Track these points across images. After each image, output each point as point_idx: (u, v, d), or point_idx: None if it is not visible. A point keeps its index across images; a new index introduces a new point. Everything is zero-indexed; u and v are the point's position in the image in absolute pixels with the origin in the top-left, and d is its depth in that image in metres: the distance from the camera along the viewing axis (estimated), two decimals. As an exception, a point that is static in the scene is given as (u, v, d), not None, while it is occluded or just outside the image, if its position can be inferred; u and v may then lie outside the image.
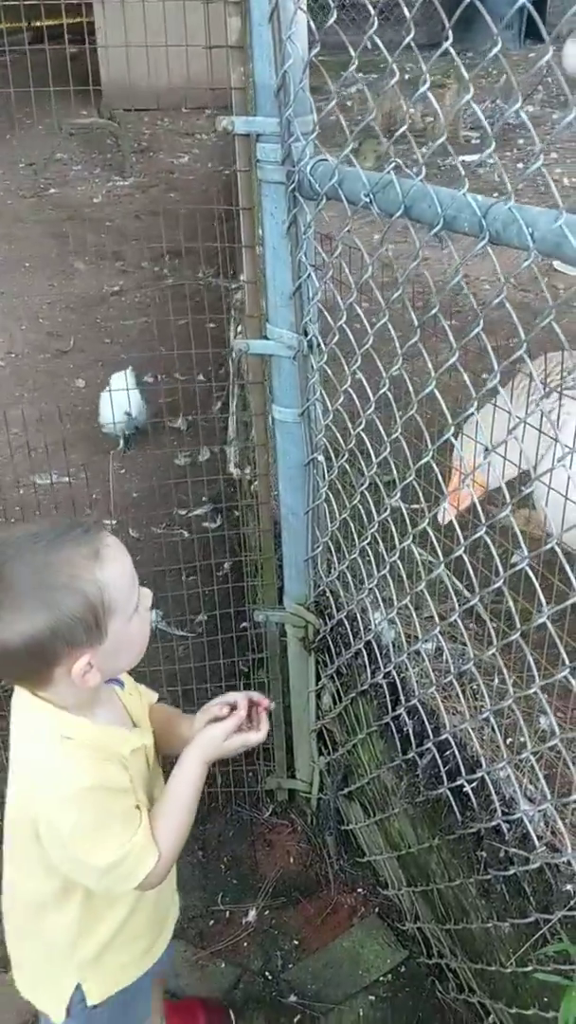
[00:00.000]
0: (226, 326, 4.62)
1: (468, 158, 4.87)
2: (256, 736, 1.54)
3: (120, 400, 4.00)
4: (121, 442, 4.29)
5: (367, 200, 1.50)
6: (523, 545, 1.40)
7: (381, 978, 2.22)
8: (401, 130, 1.45)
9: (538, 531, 2.13)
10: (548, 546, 1.32)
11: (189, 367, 4.48)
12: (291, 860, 2.48)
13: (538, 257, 1.21)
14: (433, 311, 1.45)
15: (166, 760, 1.59)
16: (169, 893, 1.69)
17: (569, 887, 1.51)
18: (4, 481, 3.67)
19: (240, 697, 1.56)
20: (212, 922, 2.35)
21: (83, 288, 5.79)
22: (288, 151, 1.73)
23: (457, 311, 3.51)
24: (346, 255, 1.77)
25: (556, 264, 4.35)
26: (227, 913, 2.37)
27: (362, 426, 1.78)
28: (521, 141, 6.12)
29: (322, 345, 1.87)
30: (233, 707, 1.55)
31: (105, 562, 1.32)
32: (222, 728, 1.51)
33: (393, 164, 1.45)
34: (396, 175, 1.44)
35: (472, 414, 1.60)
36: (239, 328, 3.85)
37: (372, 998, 2.19)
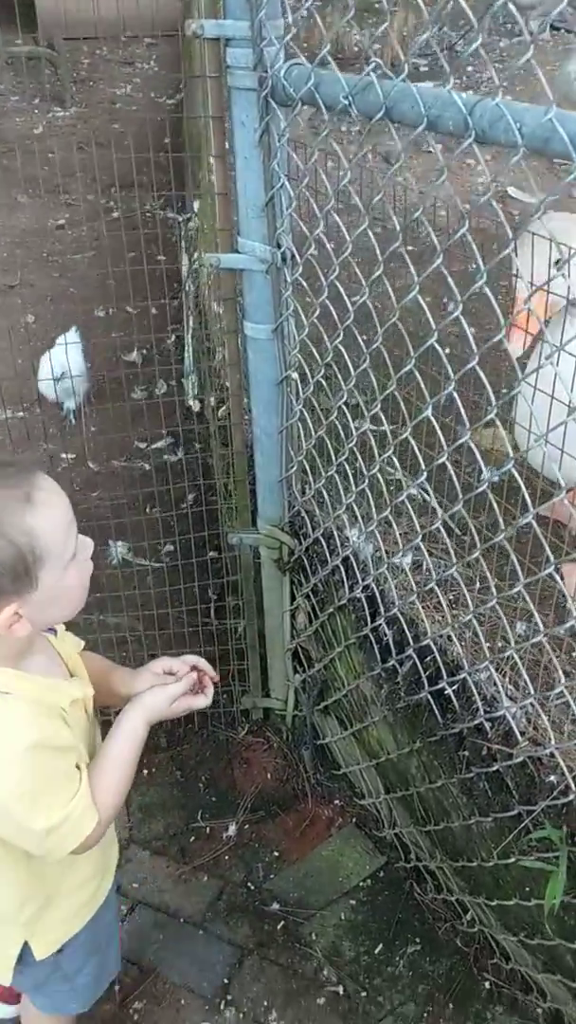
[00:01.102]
0: (179, 256, 4.55)
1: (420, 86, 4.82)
2: (202, 700, 1.49)
3: (59, 358, 3.64)
4: (66, 409, 3.95)
5: (346, 103, 1.48)
6: (481, 465, 1.43)
7: (360, 883, 2.29)
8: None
9: (504, 449, 2.17)
10: (526, 451, 1.35)
11: (141, 299, 4.41)
12: (268, 776, 2.53)
13: (526, 154, 1.21)
14: (417, 213, 1.44)
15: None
16: (111, 834, 1.65)
17: (552, 778, 1.57)
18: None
19: (181, 664, 1.51)
20: (193, 839, 2.39)
21: (27, 222, 5.64)
22: (260, 56, 1.69)
23: (415, 237, 3.50)
24: (321, 162, 1.75)
25: (511, 191, 4.35)
26: (207, 829, 2.41)
27: (339, 338, 1.78)
28: (470, 68, 6.06)
29: (296, 257, 1.85)
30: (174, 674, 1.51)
31: (37, 507, 1.23)
32: (169, 692, 1.45)
33: (373, 64, 1.43)
34: (376, 76, 1.42)
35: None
36: (195, 256, 3.79)
37: (352, 902, 2.26)
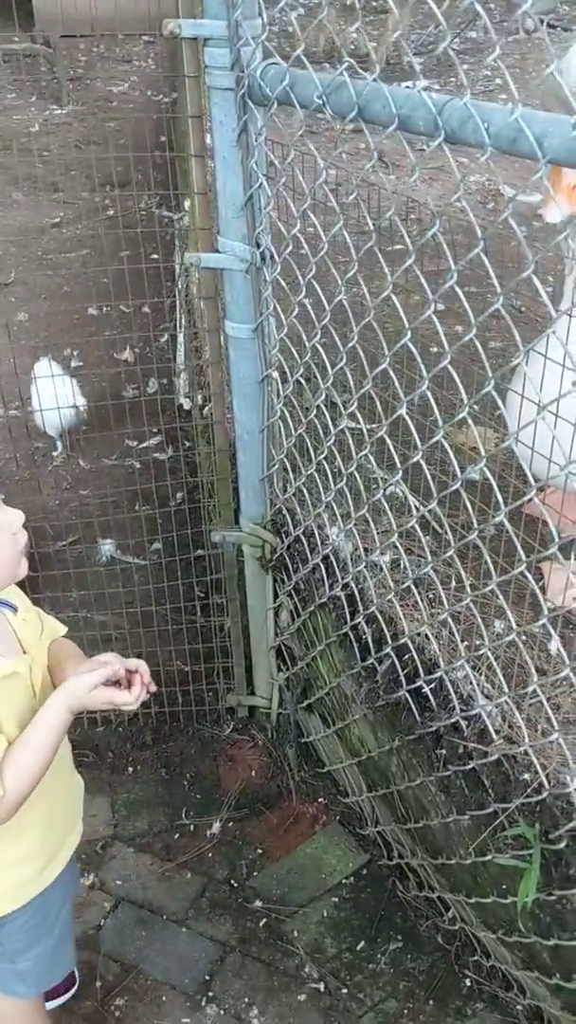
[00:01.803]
0: (172, 256, 4.56)
1: (416, 83, 4.81)
2: (124, 696, 1.45)
3: (62, 391, 3.31)
4: (59, 445, 3.75)
5: (320, 102, 1.49)
6: (455, 463, 1.43)
7: (343, 880, 2.30)
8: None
9: (474, 445, 2.17)
10: (506, 443, 1.35)
11: (135, 297, 4.42)
12: (253, 774, 2.54)
13: (494, 154, 1.22)
14: (389, 213, 1.45)
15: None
16: (66, 817, 1.65)
17: (527, 776, 1.57)
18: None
19: (110, 657, 1.49)
20: (177, 836, 2.40)
21: (22, 220, 5.65)
22: (237, 55, 1.69)
23: (401, 237, 3.49)
24: (298, 162, 1.76)
25: (503, 188, 4.35)
26: (192, 827, 2.42)
27: (317, 337, 1.78)
28: (466, 67, 6.06)
29: (275, 256, 1.86)
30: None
31: None
32: (86, 679, 1.42)
33: (346, 64, 1.43)
34: (349, 76, 1.43)
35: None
36: (187, 251, 3.79)
37: (335, 900, 2.26)
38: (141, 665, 1.50)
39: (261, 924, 2.22)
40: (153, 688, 1.51)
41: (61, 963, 1.76)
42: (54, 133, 6.75)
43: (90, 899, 2.26)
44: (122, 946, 2.17)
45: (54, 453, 3.76)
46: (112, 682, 1.45)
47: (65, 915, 1.71)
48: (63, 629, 1.61)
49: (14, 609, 1.48)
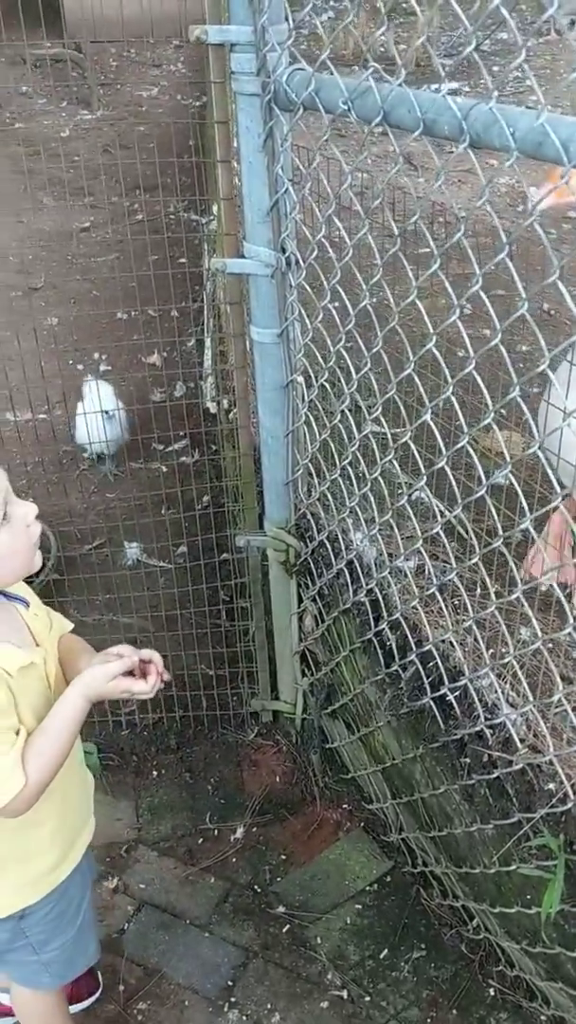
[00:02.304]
0: (200, 260, 4.57)
1: (443, 86, 4.80)
2: (140, 685, 1.48)
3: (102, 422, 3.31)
4: (106, 462, 3.68)
5: (345, 108, 1.48)
6: (479, 469, 1.42)
7: (367, 887, 2.29)
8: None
9: (500, 450, 2.16)
10: (531, 450, 1.34)
11: (163, 302, 4.43)
12: (277, 779, 2.54)
13: (520, 158, 1.21)
14: (415, 217, 1.44)
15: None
16: (79, 811, 1.66)
17: (551, 785, 1.56)
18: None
19: (126, 648, 1.52)
20: (201, 840, 2.40)
21: (52, 224, 5.69)
22: (263, 61, 1.69)
23: (432, 239, 3.48)
24: (324, 166, 1.75)
25: (529, 192, 4.31)
26: (215, 831, 2.42)
27: (342, 342, 1.78)
28: (496, 68, 6.03)
29: (300, 262, 1.85)
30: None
31: None
32: (104, 670, 1.45)
33: (371, 69, 1.43)
34: (374, 80, 1.42)
35: None
36: (214, 255, 3.80)
37: (358, 906, 2.25)
38: (154, 655, 1.53)
39: (284, 930, 2.21)
40: (167, 677, 1.54)
41: (84, 954, 1.77)
42: (84, 138, 6.79)
43: (114, 902, 2.26)
44: (145, 950, 2.17)
45: (102, 467, 3.70)
46: (127, 672, 1.47)
47: (86, 906, 1.72)
48: (70, 625, 1.63)
49: (26, 604, 1.50)
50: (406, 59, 1.51)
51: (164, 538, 3.09)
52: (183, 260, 4.87)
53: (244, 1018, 2.05)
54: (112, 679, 1.45)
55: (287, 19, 1.68)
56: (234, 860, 2.36)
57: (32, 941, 1.63)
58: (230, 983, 2.11)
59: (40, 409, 3.74)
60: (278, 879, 2.32)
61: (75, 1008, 1.99)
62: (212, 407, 3.70)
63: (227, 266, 1.96)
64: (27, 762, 1.38)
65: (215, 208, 4.01)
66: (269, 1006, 2.07)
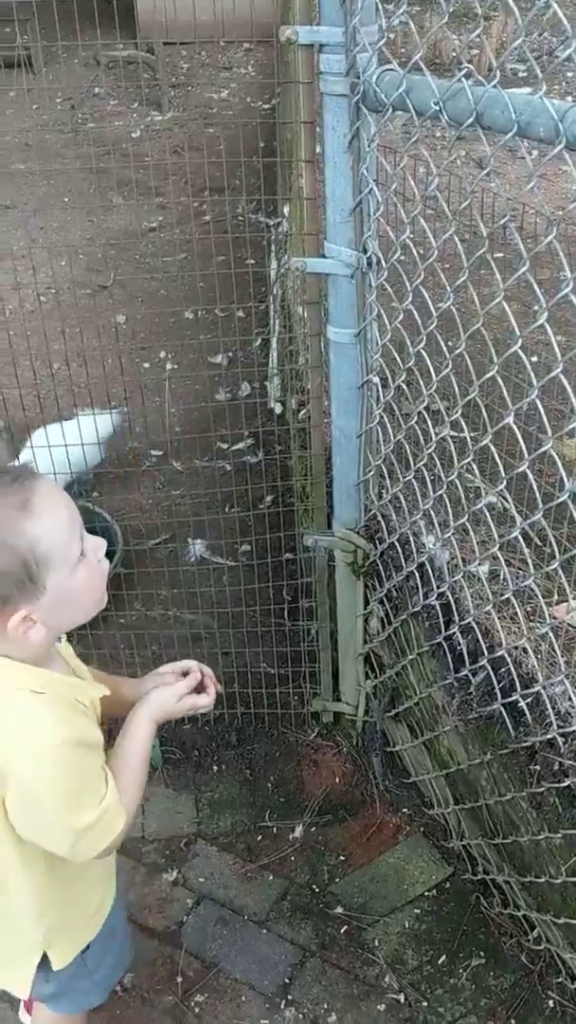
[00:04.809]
0: (267, 261, 4.59)
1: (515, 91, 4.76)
2: (205, 699, 1.51)
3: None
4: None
5: (436, 108, 1.48)
6: (563, 475, 1.41)
7: (426, 893, 2.28)
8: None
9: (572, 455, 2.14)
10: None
11: (229, 302, 4.46)
12: (337, 780, 2.53)
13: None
14: (503, 220, 1.43)
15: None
16: None
17: (625, 796, 1.53)
18: (48, 415, 3.69)
19: (194, 664, 1.55)
20: (260, 837, 2.41)
21: (122, 224, 5.77)
22: (353, 62, 1.70)
23: (504, 244, 3.46)
24: (409, 168, 1.75)
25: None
26: (274, 829, 2.43)
27: (423, 343, 1.77)
28: (571, 74, 5.97)
29: (382, 262, 1.85)
30: (185, 673, 1.54)
31: (36, 513, 1.22)
32: (174, 690, 1.48)
33: (465, 70, 1.42)
34: (467, 81, 1.42)
35: None
36: (283, 260, 3.82)
37: (417, 911, 2.24)
38: (205, 668, 1.55)
39: (342, 931, 2.21)
40: (220, 688, 1.56)
41: (124, 962, 1.78)
42: (154, 139, 6.86)
43: (173, 895, 2.28)
44: (203, 943, 2.19)
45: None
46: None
47: (123, 916, 1.73)
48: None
49: (59, 638, 1.47)
50: (483, 62, 1.51)
51: (228, 536, 3.11)
52: (250, 261, 4.90)
53: (301, 1016, 2.05)
54: (180, 699, 1.48)
55: (379, 20, 1.68)
56: (293, 859, 2.36)
57: (88, 968, 1.61)
58: (287, 980, 2.12)
59: (106, 406, 3.79)
60: (336, 880, 2.31)
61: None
62: (277, 407, 3.72)
63: (307, 265, 1.97)
64: (123, 797, 1.36)
65: (285, 209, 4.03)
66: (326, 1006, 2.07)
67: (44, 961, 1.51)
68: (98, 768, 1.34)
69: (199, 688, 1.53)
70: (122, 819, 1.35)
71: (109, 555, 2.84)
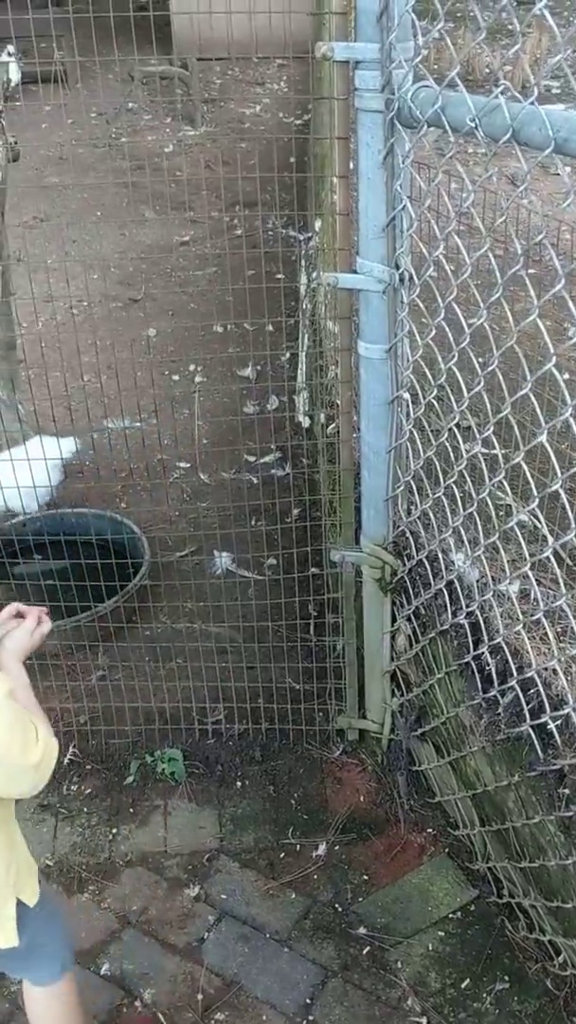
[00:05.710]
0: (297, 276, 4.59)
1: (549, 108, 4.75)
2: (48, 626, 1.63)
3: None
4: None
5: (472, 125, 1.47)
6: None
7: (450, 915, 2.25)
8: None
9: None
10: None
11: (259, 316, 4.47)
12: (361, 798, 2.51)
13: None
14: (540, 237, 1.42)
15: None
16: None
17: None
18: (78, 426, 3.71)
19: (16, 604, 1.65)
20: (283, 854, 2.39)
21: (154, 238, 5.81)
22: (388, 78, 1.70)
23: (537, 260, 3.44)
24: (442, 185, 1.74)
25: None
26: (297, 846, 2.41)
27: (455, 359, 1.76)
28: (603, 90, 5.94)
29: (415, 278, 1.85)
30: (19, 614, 1.64)
31: None
32: (26, 628, 1.59)
33: (502, 87, 1.42)
34: (504, 98, 1.41)
35: None
36: (314, 275, 3.82)
37: (441, 934, 2.21)
38: (18, 605, 1.65)
39: (364, 952, 2.19)
40: (47, 610, 1.66)
41: (69, 935, 1.86)
42: (187, 153, 6.91)
43: (195, 911, 2.27)
44: (224, 961, 2.17)
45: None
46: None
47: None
48: None
49: None
50: (515, 79, 1.50)
51: (254, 549, 3.10)
52: (280, 276, 4.90)
53: (321, 1038, 2.03)
54: (32, 633, 1.59)
55: (416, 37, 1.68)
56: (315, 877, 2.34)
57: (52, 910, 1.75)
58: (308, 1000, 2.10)
59: (135, 418, 3.80)
60: (360, 899, 2.29)
61: None
62: (305, 421, 3.71)
63: (339, 280, 1.97)
64: (40, 726, 1.48)
65: (317, 224, 4.03)
66: (347, 1028, 2.05)
67: (21, 906, 1.60)
68: (23, 711, 1.47)
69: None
70: (56, 747, 1.48)
71: (136, 567, 2.86)
